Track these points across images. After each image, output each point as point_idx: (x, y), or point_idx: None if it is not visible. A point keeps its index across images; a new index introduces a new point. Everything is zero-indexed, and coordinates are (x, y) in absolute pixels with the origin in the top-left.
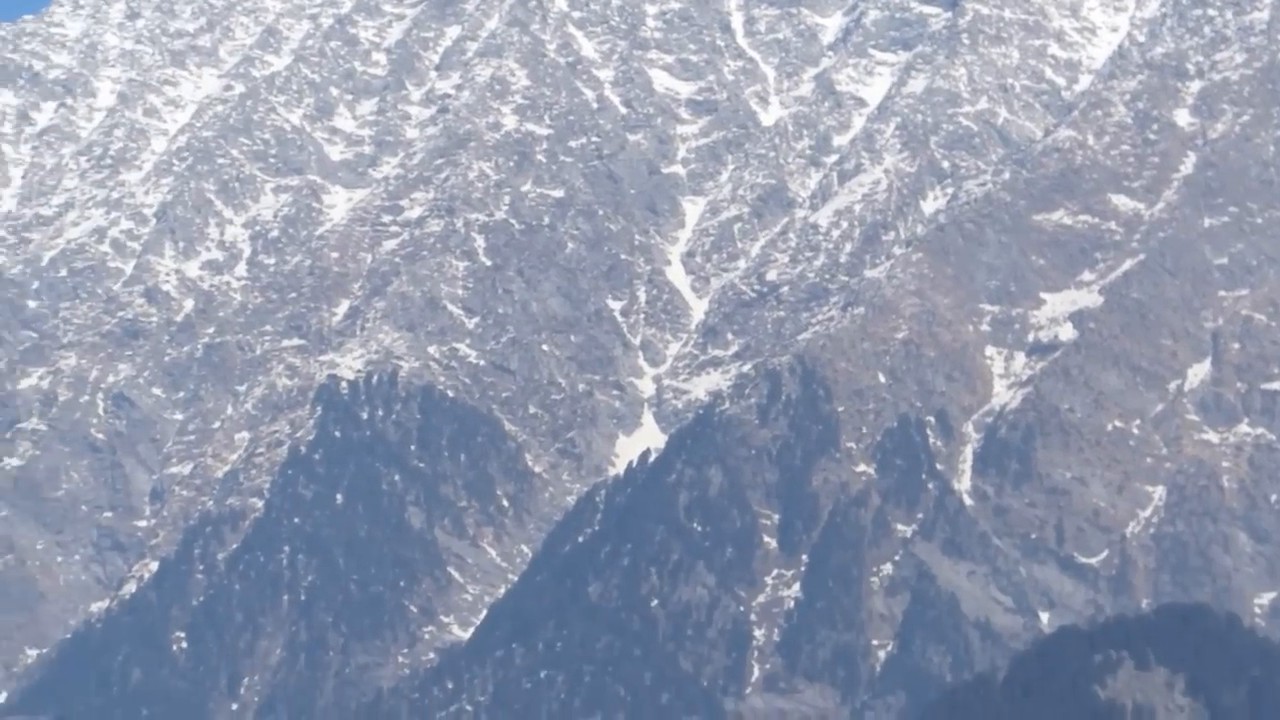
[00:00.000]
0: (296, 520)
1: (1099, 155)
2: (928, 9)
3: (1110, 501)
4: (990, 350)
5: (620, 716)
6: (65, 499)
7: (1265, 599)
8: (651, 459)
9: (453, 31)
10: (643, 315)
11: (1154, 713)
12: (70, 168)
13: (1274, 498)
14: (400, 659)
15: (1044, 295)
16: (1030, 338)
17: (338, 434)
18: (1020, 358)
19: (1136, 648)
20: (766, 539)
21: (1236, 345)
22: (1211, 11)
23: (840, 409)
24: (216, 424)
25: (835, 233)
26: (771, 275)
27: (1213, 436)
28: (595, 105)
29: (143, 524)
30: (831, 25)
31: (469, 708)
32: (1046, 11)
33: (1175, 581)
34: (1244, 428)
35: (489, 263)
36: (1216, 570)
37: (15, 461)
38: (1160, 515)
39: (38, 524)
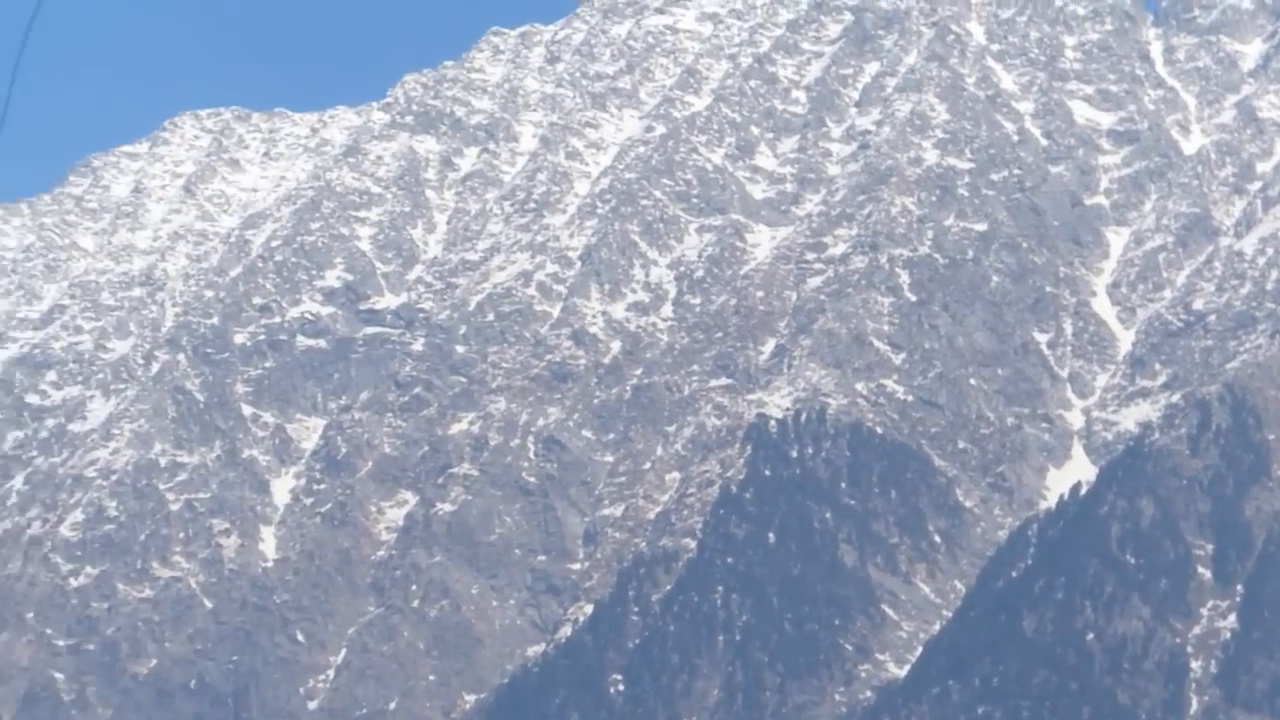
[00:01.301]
0: (729, 560)
1: None
2: None
3: None
4: None
5: None
6: (499, 543)
7: None
8: (1083, 492)
9: (872, 68)
10: (1069, 347)
11: None
12: (494, 212)
13: None
14: (837, 697)
15: None
16: None
17: (768, 472)
18: None
19: None
20: (1200, 570)
21: None
22: None
23: (1271, 437)
24: (647, 465)
25: (1261, 260)
26: (1198, 304)
27: None
28: (1016, 138)
29: (576, 567)
30: (1251, 52)
31: None
32: None
33: None
34: None
35: (914, 298)
36: None
37: (448, 507)
38: None
39: (472, 569)
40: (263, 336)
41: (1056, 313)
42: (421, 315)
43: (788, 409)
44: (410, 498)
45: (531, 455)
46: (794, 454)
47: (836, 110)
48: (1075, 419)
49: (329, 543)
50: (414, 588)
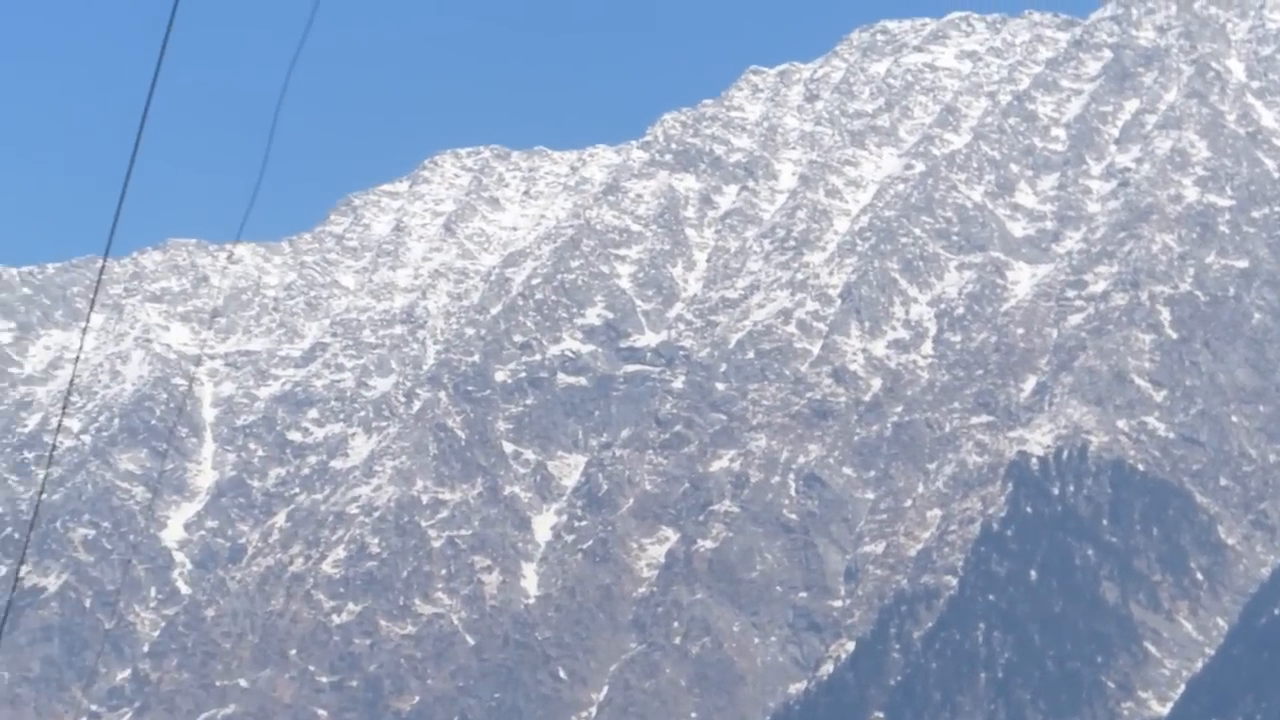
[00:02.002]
0: (991, 597)
1: None
2: None
3: None
4: None
5: None
6: (760, 580)
7: None
8: None
9: (1131, 105)
10: None
11: None
12: (754, 250)
13: None
14: None
15: None
16: None
17: (1029, 509)
18: None
19: None
20: None
21: None
22: None
23: None
24: (908, 502)
25: None
26: None
27: None
28: (1277, 175)
29: (838, 603)
30: None
31: None
32: None
33: None
34: None
35: (1175, 335)
36: None
37: (709, 544)
38: None
39: (733, 606)
40: (523, 374)
41: None
42: (682, 353)
43: (1049, 446)
44: (671, 534)
45: (792, 492)
46: (1055, 491)
47: (1096, 147)
48: None
49: (590, 579)
50: (675, 624)
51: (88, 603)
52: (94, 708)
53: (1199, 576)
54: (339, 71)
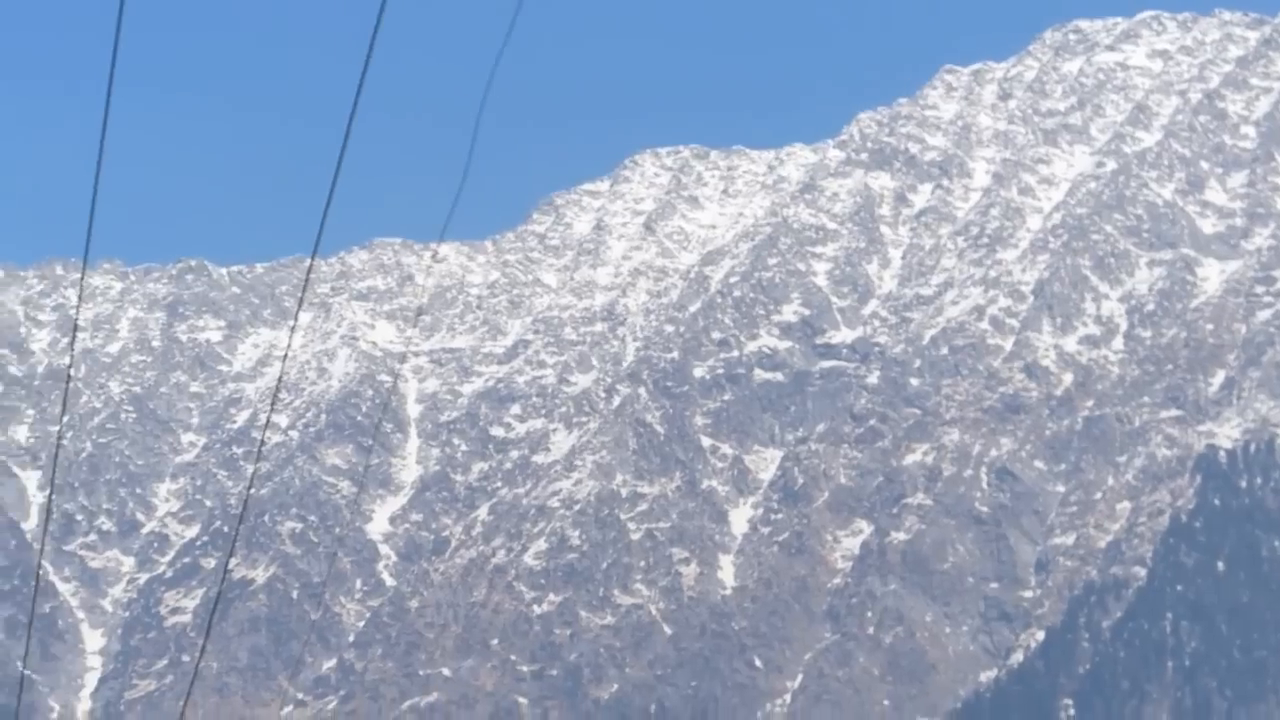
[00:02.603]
0: (1179, 588)
1: None
2: None
3: None
4: None
5: None
6: (952, 571)
7: None
8: None
9: None
10: None
11: None
12: (948, 248)
13: None
14: None
15: None
16: None
17: (1217, 502)
18: None
19: None
20: None
21: None
22: None
23: None
24: (1098, 495)
25: None
26: None
27: None
28: None
29: (1028, 594)
30: None
31: None
32: None
33: None
34: None
35: None
36: None
37: (902, 535)
38: None
39: (926, 596)
40: (721, 370)
41: None
42: (876, 349)
43: (1237, 440)
44: (865, 527)
45: (984, 485)
46: (1243, 484)
47: None
48: None
49: (786, 571)
50: (869, 614)
51: (295, 594)
52: (300, 696)
53: None
54: (541, 72)
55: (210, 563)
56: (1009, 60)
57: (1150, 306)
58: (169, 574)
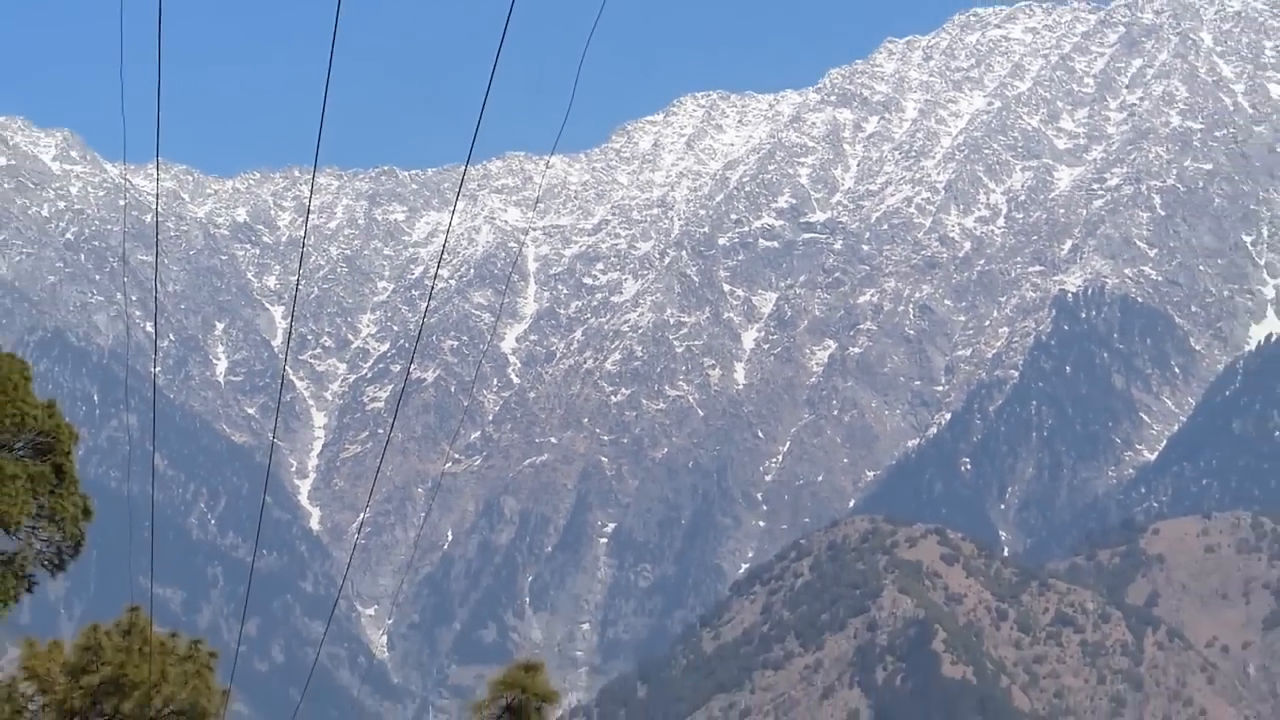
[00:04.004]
0: (1040, 384)
1: None
2: None
3: None
4: None
5: None
6: (890, 373)
7: None
8: None
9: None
10: None
11: None
12: (888, 159)
13: None
14: None
15: None
16: None
17: (1066, 328)
18: None
19: None
20: None
21: None
22: None
23: None
24: (987, 323)
25: None
26: None
27: None
28: None
29: (940, 389)
30: None
31: None
32: None
33: None
34: None
35: None
36: None
37: (857, 350)
38: None
39: (872, 390)
40: (736, 239)
41: None
42: (840, 225)
43: (1080, 286)
44: (831, 344)
45: (911, 316)
46: (1083, 315)
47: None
48: None
49: (779, 373)
50: (834, 402)
51: (452, 388)
52: (456, 456)
53: (1177, 370)
54: (616, 26)
55: (396, 368)
56: (930, 34)
57: (1023, 197)
58: (369, 375)
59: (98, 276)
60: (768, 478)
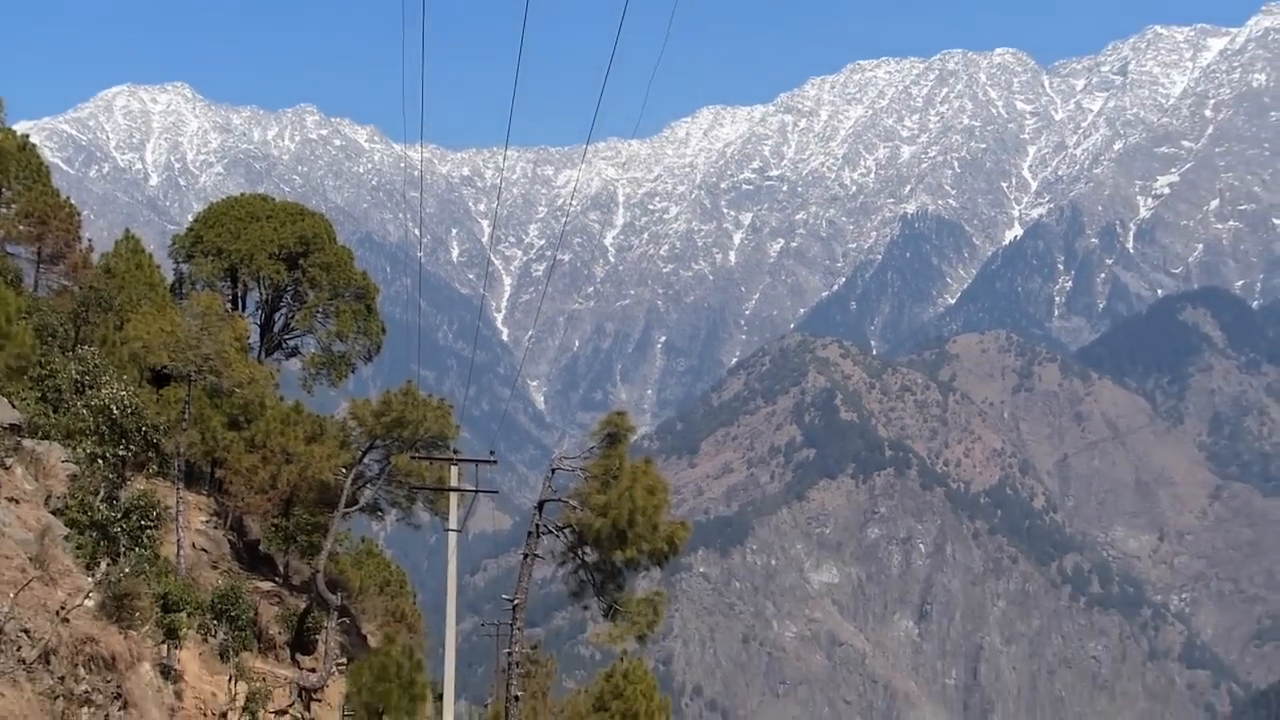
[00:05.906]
0: None
1: None
2: None
3: None
4: None
5: None
6: None
7: None
8: None
9: None
10: None
11: None
12: (870, 129)
13: None
14: None
15: None
16: None
17: None
18: None
19: None
20: None
21: None
22: None
23: None
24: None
25: None
26: None
27: None
28: None
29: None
30: None
31: None
32: None
33: None
34: None
35: None
36: None
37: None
38: None
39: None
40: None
41: None
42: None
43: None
44: None
45: None
46: None
47: None
48: None
49: None
50: None
51: (579, 264)
52: (580, 300)
53: (966, 255)
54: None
55: (548, 253)
56: (908, 60)
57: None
58: (534, 256)
59: (388, 205)
60: (747, 311)
